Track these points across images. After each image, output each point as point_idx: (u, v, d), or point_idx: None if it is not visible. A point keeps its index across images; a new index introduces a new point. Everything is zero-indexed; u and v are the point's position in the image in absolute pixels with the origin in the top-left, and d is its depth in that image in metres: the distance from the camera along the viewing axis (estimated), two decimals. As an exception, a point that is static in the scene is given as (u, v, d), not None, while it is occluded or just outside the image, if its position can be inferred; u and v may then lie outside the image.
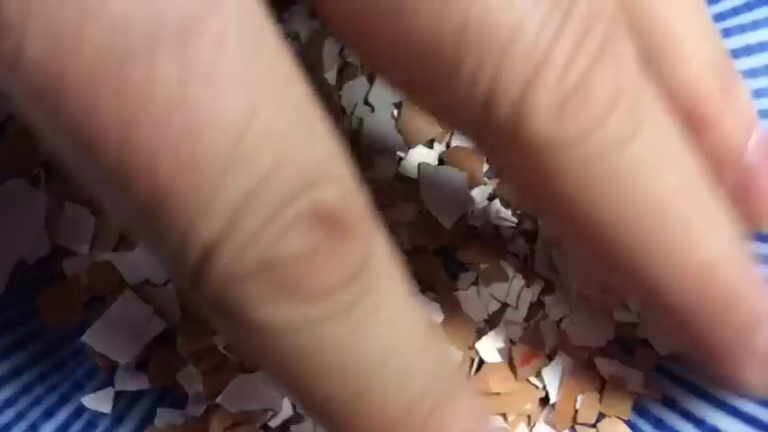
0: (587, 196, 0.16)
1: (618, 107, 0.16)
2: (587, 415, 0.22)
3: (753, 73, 0.25)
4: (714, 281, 0.17)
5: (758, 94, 0.25)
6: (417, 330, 0.16)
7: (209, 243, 0.13)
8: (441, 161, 0.25)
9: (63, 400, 0.23)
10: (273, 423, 0.23)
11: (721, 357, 0.19)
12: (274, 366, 0.15)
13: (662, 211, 0.17)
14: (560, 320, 0.23)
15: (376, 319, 0.15)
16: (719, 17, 0.26)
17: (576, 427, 0.22)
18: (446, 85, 0.16)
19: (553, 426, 0.22)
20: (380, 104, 0.25)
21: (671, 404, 0.22)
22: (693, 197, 0.17)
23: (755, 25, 0.26)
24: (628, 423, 0.22)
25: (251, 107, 0.13)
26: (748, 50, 0.25)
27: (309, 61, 0.25)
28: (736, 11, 0.26)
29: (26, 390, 0.23)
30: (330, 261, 0.14)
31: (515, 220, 0.24)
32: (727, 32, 0.26)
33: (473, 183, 0.24)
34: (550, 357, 0.23)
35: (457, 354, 0.22)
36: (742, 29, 0.26)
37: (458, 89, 0.15)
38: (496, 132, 0.16)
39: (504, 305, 0.23)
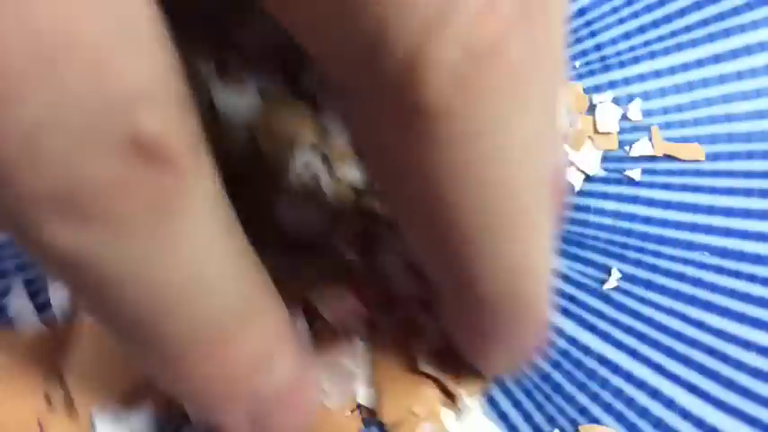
0: (450, 173, 0.14)
1: (519, 85, 0.13)
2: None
3: (753, 73, 0.25)
4: (523, 281, 0.17)
5: (758, 93, 0.25)
6: (225, 260, 0.15)
7: (2, 160, 0.12)
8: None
9: (63, 400, 0.23)
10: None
11: (490, 344, 0.20)
12: (74, 281, 0.14)
13: (517, 201, 0.15)
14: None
15: (184, 243, 0.14)
16: (719, 17, 0.26)
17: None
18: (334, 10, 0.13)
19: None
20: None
21: (671, 404, 0.22)
22: (543, 194, 0.16)
23: (755, 25, 0.26)
24: (628, 423, 0.22)
25: (63, 16, 0.11)
26: (748, 50, 0.25)
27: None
28: (736, 11, 0.26)
29: (27, 389, 0.23)
30: (138, 191, 0.13)
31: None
32: (726, 32, 0.26)
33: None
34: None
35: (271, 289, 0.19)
36: (742, 29, 0.26)
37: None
38: (379, 80, 0.13)
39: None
